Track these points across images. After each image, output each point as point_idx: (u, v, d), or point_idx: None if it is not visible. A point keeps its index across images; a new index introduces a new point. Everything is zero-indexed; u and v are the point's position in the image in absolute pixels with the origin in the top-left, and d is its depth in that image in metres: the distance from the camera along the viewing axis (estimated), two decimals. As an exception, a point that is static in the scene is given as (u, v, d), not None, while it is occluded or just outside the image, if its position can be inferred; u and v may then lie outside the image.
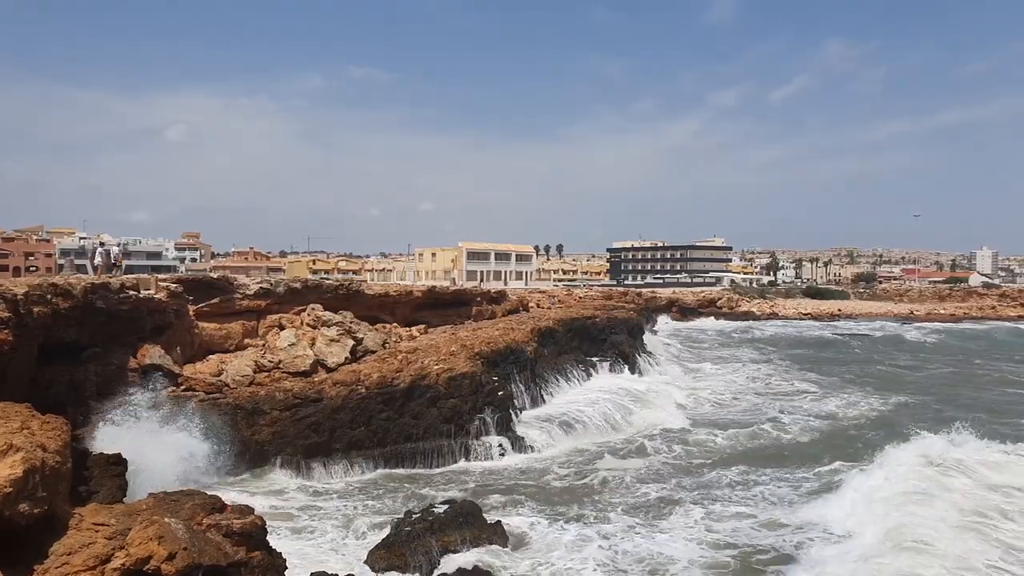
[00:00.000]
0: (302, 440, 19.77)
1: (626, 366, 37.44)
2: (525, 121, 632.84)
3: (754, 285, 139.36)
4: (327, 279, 39.10)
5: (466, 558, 13.63)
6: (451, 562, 13.48)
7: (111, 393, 18.00)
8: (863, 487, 17.56)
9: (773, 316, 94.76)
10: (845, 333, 71.31)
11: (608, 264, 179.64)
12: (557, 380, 31.37)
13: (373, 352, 25.58)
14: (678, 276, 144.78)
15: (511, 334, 30.29)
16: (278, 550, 11.04)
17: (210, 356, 23.68)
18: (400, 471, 20.65)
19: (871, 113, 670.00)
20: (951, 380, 39.90)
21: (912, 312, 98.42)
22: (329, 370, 23.06)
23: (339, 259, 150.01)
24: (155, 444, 16.65)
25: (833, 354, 53.57)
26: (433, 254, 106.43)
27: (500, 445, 22.70)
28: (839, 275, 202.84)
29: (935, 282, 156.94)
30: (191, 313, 23.60)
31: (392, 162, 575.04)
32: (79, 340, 17.89)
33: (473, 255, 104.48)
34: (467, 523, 14.80)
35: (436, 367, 23.56)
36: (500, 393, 24.22)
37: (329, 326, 25.50)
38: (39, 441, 10.00)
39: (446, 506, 15.45)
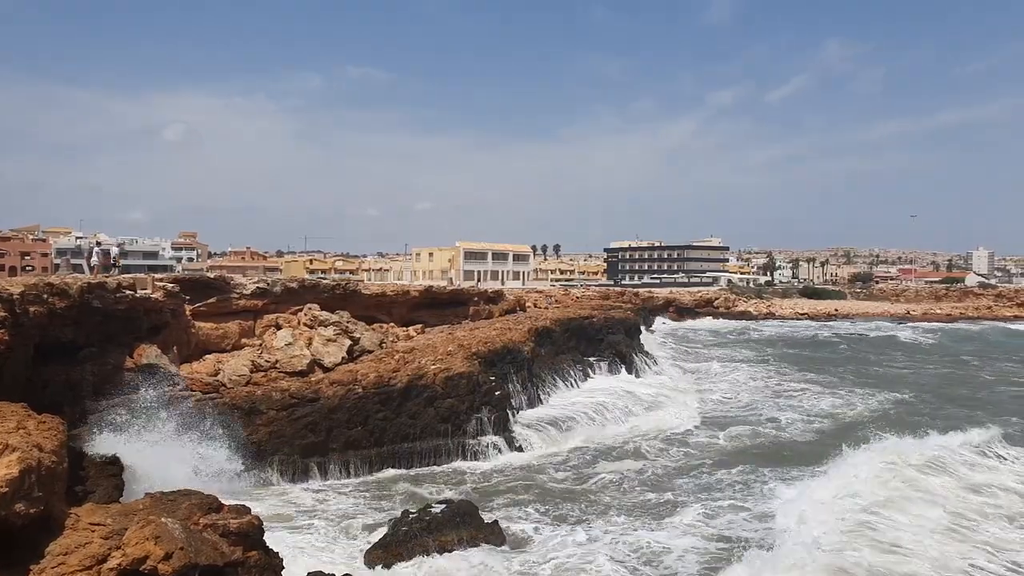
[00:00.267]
0: (299, 440, 19.76)
1: (623, 366, 37.45)
2: (523, 121, 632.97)
3: (751, 285, 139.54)
4: (324, 279, 39.10)
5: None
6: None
7: (110, 393, 17.96)
8: (831, 485, 17.81)
9: (770, 316, 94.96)
10: (842, 333, 71.46)
11: (605, 264, 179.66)
12: (554, 380, 31.39)
13: (370, 352, 25.58)
14: (675, 276, 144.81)
15: (508, 334, 30.30)
16: (275, 550, 11.04)
17: (207, 356, 23.68)
18: (397, 471, 20.65)
19: (869, 113, 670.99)
20: (947, 379, 40.02)
21: (909, 312, 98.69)
22: (326, 370, 23.06)
23: (336, 259, 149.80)
24: (168, 455, 16.40)
25: (830, 354, 53.68)
26: (430, 254, 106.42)
27: (497, 445, 22.73)
28: (836, 275, 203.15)
29: (931, 282, 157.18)
30: (188, 313, 23.60)
31: (390, 162, 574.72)
32: (75, 340, 17.86)
33: (470, 255, 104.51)
34: (464, 523, 14.82)
35: (433, 367, 23.56)
36: (497, 393, 24.24)
37: (326, 326, 25.50)
38: (35, 441, 9.98)
39: (443, 506, 15.47)
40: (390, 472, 20.54)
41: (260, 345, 24.46)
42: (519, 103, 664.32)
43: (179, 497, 11.00)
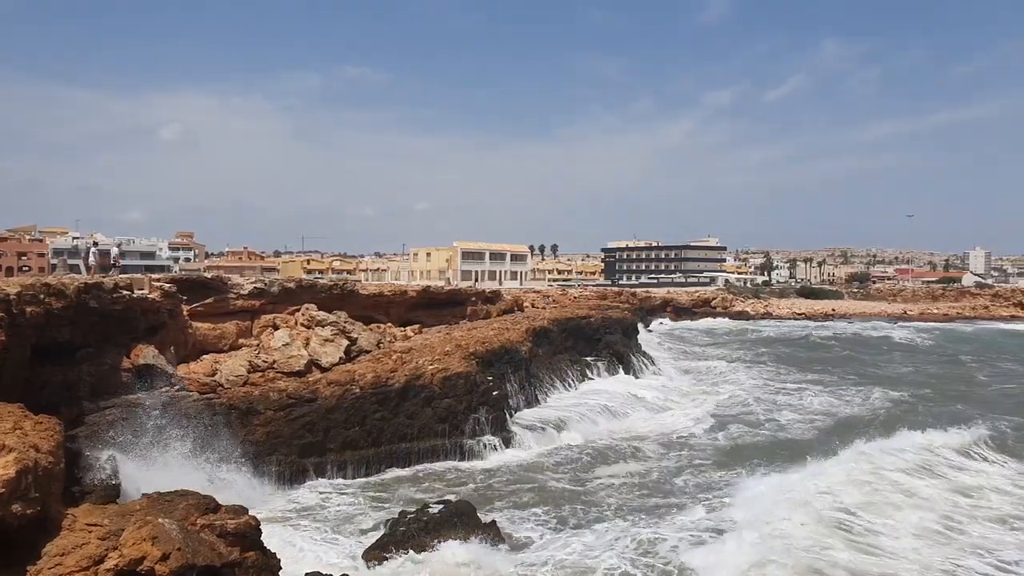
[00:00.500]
0: (296, 440, 19.73)
1: (621, 366, 37.51)
2: (521, 121, 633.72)
3: (748, 285, 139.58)
4: (321, 279, 39.03)
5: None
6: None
7: (108, 394, 17.89)
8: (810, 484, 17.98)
9: (767, 316, 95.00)
10: (839, 333, 71.53)
11: (603, 264, 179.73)
12: (552, 380, 31.41)
13: (367, 352, 25.57)
14: (672, 276, 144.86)
15: (506, 334, 30.31)
16: (272, 550, 11.03)
17: (204, 356, 23.65)
18: (395, 471, 20.64)
19: (866, 113, 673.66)
20: (943, 379, 40.07)
21: (906, 312, 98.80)
22: (323, 370, 23.04)
23: (333, 259, 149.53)
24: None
25: (827, 354, 53.70)
26: (428, 254, 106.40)
27: (495, 445, 22.73)
28: (833, 275, 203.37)
29: (928, 282, 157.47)
30: (185, 313, 23.55)
31: (387, 162, 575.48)
32: (72, 340, 17.81)
33: (468, 255, 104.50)
34: (462, 523, 14.81)
35: (431, 367, 23.55)
36: (495, 393, 24.23)
37: (323, 326, 25.49)
38: (32, 442, 9.96)
39: (440, 506, 15.47)
40: (388, 472, 20.52)
41: (257, 345, 24.44)
42: (517, 103, 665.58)
43: (176, 498, 10.98)
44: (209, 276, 28.60)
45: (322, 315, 26.18)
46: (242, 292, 26.15)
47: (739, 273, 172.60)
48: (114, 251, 32.63)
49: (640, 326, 55.56)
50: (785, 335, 69.81)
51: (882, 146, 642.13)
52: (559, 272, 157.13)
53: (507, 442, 23.22)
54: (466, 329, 32.53)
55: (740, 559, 13.43)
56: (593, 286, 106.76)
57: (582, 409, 27.96)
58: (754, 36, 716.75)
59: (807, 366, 45.15)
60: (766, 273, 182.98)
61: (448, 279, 76.61)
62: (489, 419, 23.38)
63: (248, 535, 10.45)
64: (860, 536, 14.78)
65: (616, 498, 18.48)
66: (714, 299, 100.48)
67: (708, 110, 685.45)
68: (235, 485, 16.83)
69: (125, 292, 19.84)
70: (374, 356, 24.90)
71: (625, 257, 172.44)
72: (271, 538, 12.04)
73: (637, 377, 37.21)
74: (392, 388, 21.99)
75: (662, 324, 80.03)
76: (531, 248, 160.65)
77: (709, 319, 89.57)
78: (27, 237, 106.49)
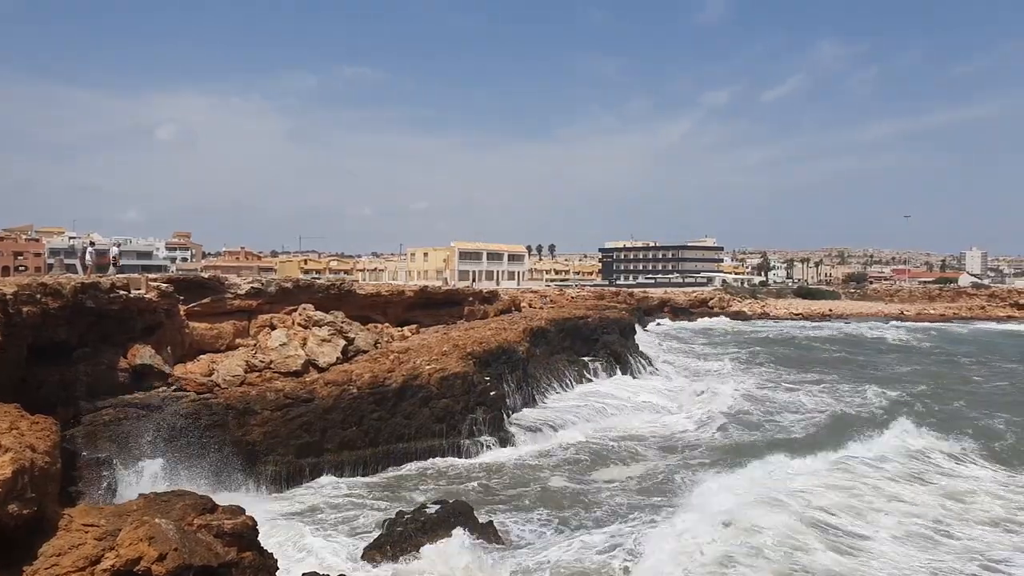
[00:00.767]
0: (293, 440, 19.71)
1: (618, 366, 37.54)
2: (518, 121, 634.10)
3: (745, 285, 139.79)
4: (318, 279, 38.93)
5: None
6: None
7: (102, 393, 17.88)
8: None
9: (764, 316, 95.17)
10: (836, 333, 71.66)
11: (600, 264, 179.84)
12: (549, 381, 31.43)
13: (365, 352, 25.54)
14: (670, 276, 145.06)
15: (503, 334, 30.31)
16: (269, 550, 11.01)
17: (201, 356, 23.59)
18: (392, 471, 20.63)
19: (863, 114, 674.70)
20: (940, 378, 40.15)
21: (903, 312, 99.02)
22: (321, 370, 23.02)
23: (331, 259, 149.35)
24: None
25: (824, 354, 53.80)
26: (425, 254, 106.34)
27: (492, 445, 22.73)
28: (830, 275, 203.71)
29: (925, 282, 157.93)
30: (182, 313, 23.51)
31: (385, 161, 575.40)
32: (69, 340, 17.80)
33: (465, 255, 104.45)
34: (459, 523, 14.79)
35: (428, 367, 23.55)
36: (492, 393, 24.24)
37: (320, 326, 25.45)
38: (28, 442, 9.93)
39: (438, 506, 15.46)
40: (385, 473, 20.51)
41: (255, 345, 24.40)
42: (515, 103, 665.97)
43: (173, 498, 10.95)
44: (206, 276, 28.53)
45: (319, 315, 26.14)
46: (239, 292, 26.09)
47: (736, 273, 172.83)
48: (114, 251, 32.63)
49: (637, 326, 55.58)
50: (782, 335, 69.93)
51: (879, 146, 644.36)
52: (556, 272, 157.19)
53: (504, 442, 23.22)
54: (463, 329, 32.52)
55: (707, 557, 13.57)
56: (590, 286, 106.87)
57: (579, 409, 27.98)
58: (753, 36, 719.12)
59: (804, 366, 45.21)
60: (763, 273, 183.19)
61: (445, 279, 76.56)
62: (486, 419, 23.37)
63: (245, 535, 10.43)
64: (837, 538, 14.94)
65: (615, 498, 18.47)
66: (711, 299, 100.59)
67: (706, 110, 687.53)
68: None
69: (122, 292, 19.82)
70: (371, 356, 24.89)
71: (622, 257, 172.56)
72: (268, 538, 12.04)
73: (634, 377, 37.23)
74: (389, 388, 21.98)
75: (659, 324, 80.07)
76: (528, 248, 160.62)
77: (706, 319, 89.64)
78: (23, 237, 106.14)
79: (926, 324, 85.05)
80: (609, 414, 28.07)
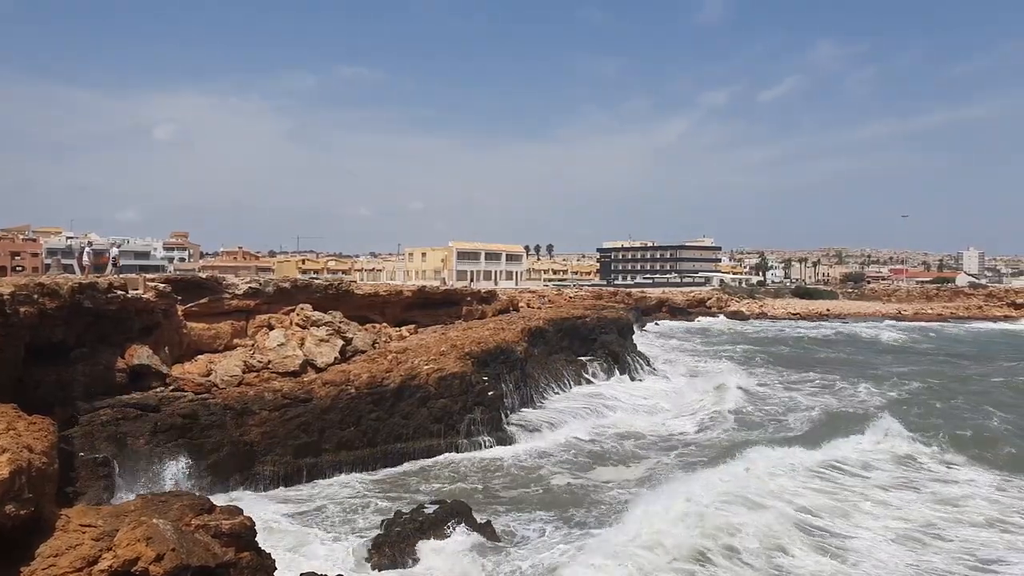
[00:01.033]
0: (291, 440, 19.69)
1: (616, 366, 37.55)
2: (516, 121, 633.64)
3: (743, 285, 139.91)
4: (316, 279, 38.91)
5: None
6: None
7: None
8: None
9: (762, 316, 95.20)
10: (834, 333, 71.73)
11: (598, 264, 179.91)
12: (548, 380, 31.43)
13: (363, 352, 25.53)
14: (668, 276, 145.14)
15: (501, 334, 30.30)
16: (267, 551, 11.01)
17: (199, 356, 23.56)
18: (390, 471, 20.62)
19: (860, 114, 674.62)
20: (938, 378, 40.16)
21: (900, 312, 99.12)
22: (319, 370, 23.00)
23: (328, 259, 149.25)
24: None
25: (822, 354, 53.88)
26: (423, 254, 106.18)
27: (490, 445, 22.73)
28: (828, 275, 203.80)
29: (923, 282, 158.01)
30: (180, 313, 23.47)
31: (382, 161, 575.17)
32: (66, 340, 17.76)
33: (463, 255, 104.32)
34: (457, 523, 14.81)
35: (426, 367, 23.54)
36: (490, 393, 24.24)
37: (318, 326, 25.44)
38: (25, 442, 9.93)
39: (436, 506, 15.47)
40: (383, 472, 20.50)
41: (252, 345, 24.38)
42: (514, 103, 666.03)
43: (171, 498, 10.95)
44: (204, 276, 28.50)
45: (317, 315, 26.13)
46: (237, 292, 26.06)
47: (734, 273, 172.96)
48: (113, 251, 32.63)
49: (635, 326, 55.62)
50: (780, 335, 70.01)
51: (877, 146, 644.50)
52: (555, 272, 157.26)
53: (503, 442, 23.22)
54: (461, 329, 32.52)
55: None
56: (589, 286, 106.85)
57: (577, 409, 28.00)
58: (751, 36, 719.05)
59: (802, 366, 45.23)
60: (761, 273, 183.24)
61: (443, 279, 76.50)
62: (485, 419, 23.38)
63: (243, 536, 10.43)
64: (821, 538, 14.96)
65: (613, 497, 18.47)
66: (709, 299, 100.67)
67: (704, 110, 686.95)
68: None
69: (119, 292, 19.78)
70: (369, 356, 24.88)
71: (621, 257, 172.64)
72: (266, 539, 12.02)
73: (633, 377, 37.26)
74: (387, 388, 21.97)
75: (658, 324, 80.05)
76: (527, 248, 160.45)
77: (704, 319, 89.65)
78: (21, 237, 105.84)
79: (923, 324, 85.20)
80: (607, 413, 28.08)
